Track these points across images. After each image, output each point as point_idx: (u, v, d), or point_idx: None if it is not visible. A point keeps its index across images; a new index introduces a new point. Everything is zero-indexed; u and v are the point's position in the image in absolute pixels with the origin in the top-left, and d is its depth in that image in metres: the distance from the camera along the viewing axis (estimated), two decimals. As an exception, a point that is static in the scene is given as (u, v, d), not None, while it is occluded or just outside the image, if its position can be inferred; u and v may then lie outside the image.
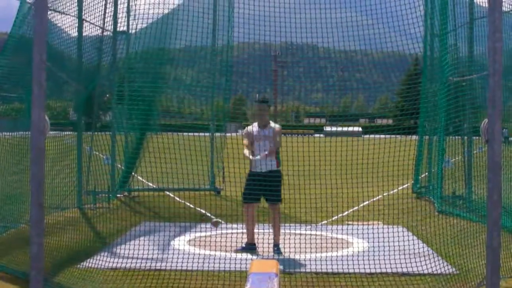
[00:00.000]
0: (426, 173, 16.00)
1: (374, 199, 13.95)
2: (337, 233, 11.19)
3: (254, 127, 10.02)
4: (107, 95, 15.67)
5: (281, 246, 9.82)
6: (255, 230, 10.12)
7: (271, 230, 10.12)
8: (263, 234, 9.93)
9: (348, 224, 12.09)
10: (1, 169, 10.76)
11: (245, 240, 9.98)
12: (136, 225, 11.77)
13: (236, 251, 9.70)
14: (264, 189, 9.69)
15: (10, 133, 11.07)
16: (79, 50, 13.02)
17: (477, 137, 13.34)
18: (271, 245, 9.83)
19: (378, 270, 8.42)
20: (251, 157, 9.73)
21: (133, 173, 15.43)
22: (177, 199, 15.43)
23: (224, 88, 16.36)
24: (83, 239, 10.40)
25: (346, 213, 13.07)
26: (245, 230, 10.14)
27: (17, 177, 10.43)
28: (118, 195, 15.55)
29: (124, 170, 15.59)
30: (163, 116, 16.30)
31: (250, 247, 9.90)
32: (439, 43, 13.25)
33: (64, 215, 12.07)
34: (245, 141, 9.92)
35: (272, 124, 10.05)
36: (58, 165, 11.57)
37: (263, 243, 9.72)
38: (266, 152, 9.65)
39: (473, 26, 13.57)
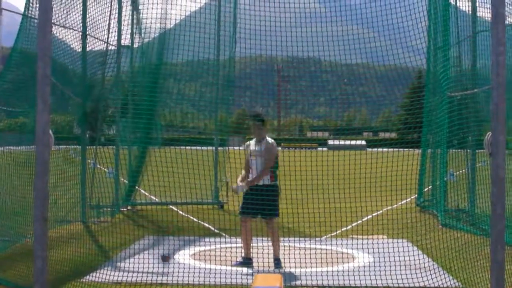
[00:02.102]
0: (430, 187, 15.97)
1: (378, 212, 13.92)
2: (340, 247, 11.16)
3: (253, 141, 10.06)
4: (111, 109, 15.71)
5: (285, 259, 9.77)
6: (255, 244, 10.11)
7: (270, 244, 10.10)
8: (263, 248, 9.90)
9: (352, 238, 12.06)
10: (5, 183, 10.76)
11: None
12: (140, 239, 11.76)
13: (233, 265, 9.71)
14: (259, 203, 9.69)
15: (15, 147, 11.09)
16: (83, 64, 13.05)
17: (480, 150, 13.32)
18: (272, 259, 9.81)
19: (382, 284, 8.40)
20: (234, 186, 9.89)
21: (136, 187, 15.44)
22: (181, 212, 15.42)
23: (227, 102, 16.39)
24: (87, 253, 10.38)
25: (349, 227, 13.04)
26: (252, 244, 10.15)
27: (22, 191, 10.43)
28: (122, 209, 15.55)
29: (127, 184, 15.59)
30: (167, 130, 16.31)
31: (247, 261, 9.88)
32: (440, 56, 13.27)
33: (68, 229, 12.06)
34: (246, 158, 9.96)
35: (266, 139, 10.02)
36: (62, 179, 11.58)
37: (263, 257, 9.69)
38: (244, 184, 9.79)
39: (476, 40, 13.60)
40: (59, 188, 11.49)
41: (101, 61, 13.66)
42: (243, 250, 10.03)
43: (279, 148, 10.27)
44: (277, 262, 9.72)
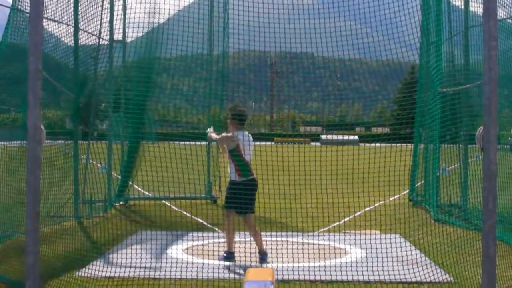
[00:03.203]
0: (423, 182, 16.00)
1: (371, 207, 13.95)
2: (333, 242, 11.17)
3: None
4: (104, 104, 15.68)
5: (278, 254, 9.78)
6: (248, 239, 10.16)
7: (270, 239, 10.12)
8: (251, 243, 9.92)
9: (344, 233, 12.08)
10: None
11: (242, 250, 9.97)
12: (132, 234, 11.75)
13: (220, 259, 9.78)
14: (235, 200, 9.76)
15: (8, 143, 11.04)
16: (75, 59, 12.99)
17: (473, 145, 13.35)
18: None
19: (375, 278, 8.42)
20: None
21: (129, 182, 15.43)
22: (174, 207, 15.41)
23: (220, 97, 16.38)
24: (79, 248, 10.37)
25: (342, 221, 13.06)
26: (242, 239, 10.17)
27: (15, 186, 10.41)
28: (115, 204, 15.53)
29: (121, 180, 15.57)
30: (160, 125, 16.29)
31: (230, 255, 9.92)
32: (433, 51, 13.28)
33: (61, 224, 12.04)
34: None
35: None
36: (55, 174, 11.55)
37: (256, 251, 9.71)
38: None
39: (468, 35, 13.62)
40: (54, 183, 11.47)
41: (94, 56, 13.62)
42: (225, 244, 10.08)
43: (256, 143, 10.26)
44: (262, 257, 9.73)
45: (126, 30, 15.51)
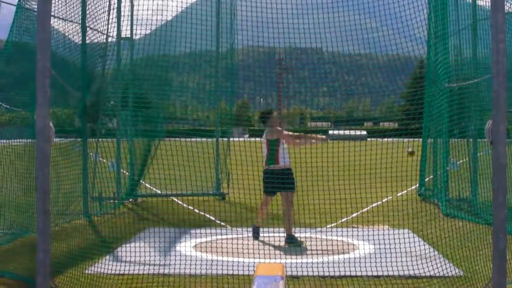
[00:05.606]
0: (432, 176, 15.96)
1: (380, 202, 13.93)
2: (343, 237, 11.16)
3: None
4: (112, 102, 15.70)
5: (287, 249, 9.82)
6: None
7: (279, 234, 10.21)
8: (268, 238, 9.93)
9: (354, 228, 12.07)
10: (9, 178, 10.76)
11: (251, 246, 9.99)
12: (142, 230, 11.78)
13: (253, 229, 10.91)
14: (281, 182, 10.55)
15: (18, 141, 11.08)
16: (82, 57, 13.01)
17: (483, 139, 13.30)
18: (277, 247, 9.86)
19: (385, 273, 8.41)
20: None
21: (140, 181, 15.47)
22: (183, 204, 15.43)
23: (228, 93, 16.39)
24: (89, 245, 10.40)
25: (351, 216, 13.05)
26: (248, 235, 10.32)
27: (26, 185, 10.44)
28: (124, 201, 15.58)
29: (131, 178, 15.61)
30: (168, 122, 16.30)
31: (257, 231, 10.93)
32: (439, 45, 13.23)
33: (71, 222, 12.08)
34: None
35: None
36: (64, 172, 11.58)
37: (264, 247, 9.72)
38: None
39: (476, 28, 13.56)
40: (63, 181, 11.50)
41: (101, 54, 13.63)
42: (257, 219, 11.12)
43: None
44: (291, 239, 10.06)
45: (134, 27, 15.53)
